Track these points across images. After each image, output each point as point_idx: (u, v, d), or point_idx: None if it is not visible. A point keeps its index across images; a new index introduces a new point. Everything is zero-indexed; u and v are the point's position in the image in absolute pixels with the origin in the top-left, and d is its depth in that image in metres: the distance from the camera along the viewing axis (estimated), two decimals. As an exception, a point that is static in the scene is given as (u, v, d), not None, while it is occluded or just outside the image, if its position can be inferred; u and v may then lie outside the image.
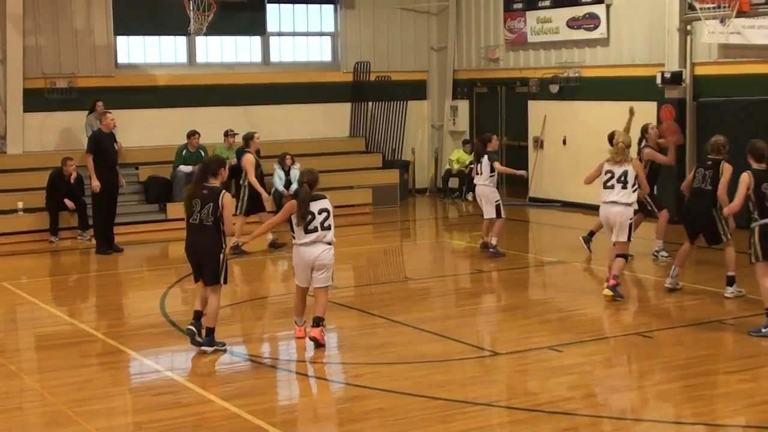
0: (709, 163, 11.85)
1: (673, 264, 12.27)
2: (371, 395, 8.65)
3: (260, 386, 9.04)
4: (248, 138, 15.88)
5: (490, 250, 14.79)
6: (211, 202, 9.76)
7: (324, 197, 10.05)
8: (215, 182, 9.87)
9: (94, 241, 16.22)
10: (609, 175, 12.11)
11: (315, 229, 9.89)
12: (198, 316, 10.06)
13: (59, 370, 9.53)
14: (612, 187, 12.04)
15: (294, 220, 9.90)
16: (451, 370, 9.39)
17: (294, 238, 10.04)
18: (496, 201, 14.71)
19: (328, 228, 9.96)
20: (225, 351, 9.94)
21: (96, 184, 15.51)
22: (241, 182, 15.81)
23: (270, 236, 15.52)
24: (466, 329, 10.87)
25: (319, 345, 9.97)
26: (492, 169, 14.66)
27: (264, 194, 15.63)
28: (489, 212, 14.78)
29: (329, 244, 9.99)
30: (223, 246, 9.87)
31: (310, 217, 9.87)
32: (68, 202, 17.16)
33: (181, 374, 9.42)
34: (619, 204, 11.92)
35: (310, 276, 10.03)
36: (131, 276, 14.79)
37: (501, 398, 8.63)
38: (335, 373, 9.61)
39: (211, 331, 9.90)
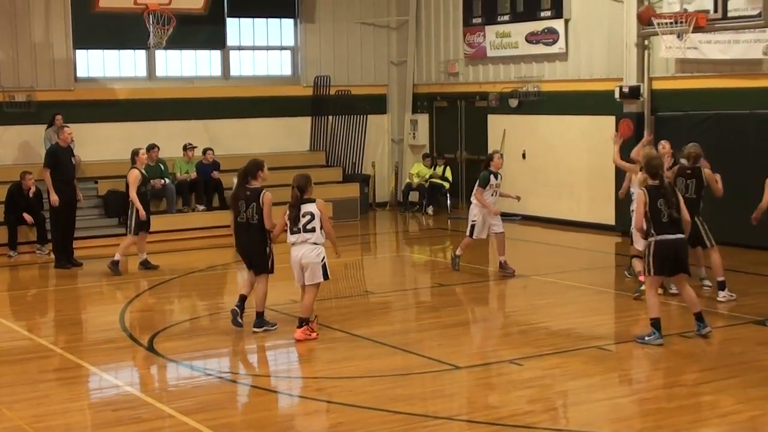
0: (689, 171, 12.10)
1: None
2: (332, 409, 8.64)
3: (220, 401, 8.99)
4: (134, 153, 15.25)
5: (503, 270, 14.33)
6: (254, 202, 10.97)
7: (312, 201, 10.74)
8: (256, 183, 11.06)
9: (52, 256, 16.07)
10: None
11: (298, 231, 10.66)
12: (242, 299, 11.19)
13: (17, 385, 9.41)
14: None
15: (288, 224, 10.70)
16: (412, 384, 9.39)
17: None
18: (472, 220, 14.31)
19: (311, 230, 10.64)
20: (275, 329, 11.11)
21: (54, 198, 15.38)
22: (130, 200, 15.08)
23: (144, 255, 15.41)
24: (427, 343, 10.88)
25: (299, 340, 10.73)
26: (484, 185, 14.13)
27: (142, 213, 14.87)
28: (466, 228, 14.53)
29: (314, 244, 10.65)
30: (268, 240, 11.01)
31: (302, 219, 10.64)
32: (27, 216, 16.99)
33: (140, 389, 9.35)
34: None
35: (303, 274, 10.75)
36: (90, 290, 14.66)
37: (462, 412, 8.64)
38: (296, 387, 9.58)
39: (260, 314, 11.13)
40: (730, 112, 16.42)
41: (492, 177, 14.12)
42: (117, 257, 15.02)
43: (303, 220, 10.62)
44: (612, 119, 17.97)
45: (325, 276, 10.82)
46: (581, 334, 11.27)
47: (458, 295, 13.53)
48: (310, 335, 10.80)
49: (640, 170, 12.34)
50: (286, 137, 21.97)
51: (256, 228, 10.98)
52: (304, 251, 10.64)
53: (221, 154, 20.09)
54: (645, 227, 10.39)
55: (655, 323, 10.31)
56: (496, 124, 20.99)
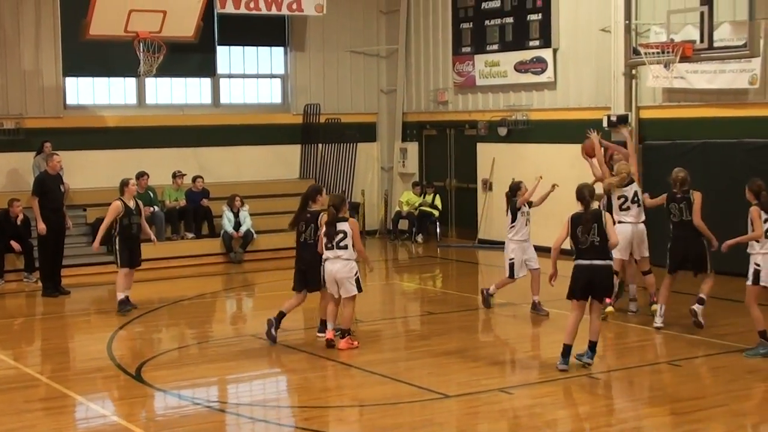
0: (679, 196, 12.38)
1: (659, 302, 12.38)
2: (321, 439, 8.60)
3: (209, 430, 8.95)
4: (123, 184, 14.31)
5: (536, 310, 13.58)
6: (312, 224, 11.74)
7: (344, 220, 11.52)
8: (315, 206, 11.83)
9: (40, 284, 16.01)
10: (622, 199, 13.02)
11: (332, 247, 11.43)
12: (281, 315, 11.93)
13: (2, 415, 9.34)
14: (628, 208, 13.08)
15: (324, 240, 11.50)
16: (402, 413, 9.35)
17: None
18: (510, 259, 13.55)
19: (344, 247, 11.41)
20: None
21: (42, 226, 15.36)
22: (113, 231, 14.28)
23: (122, 295, 14.16)
24: (416, 372, 10.85)
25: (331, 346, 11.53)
26: (513, 219, 13.57)
27: (95, 244, 14.50)
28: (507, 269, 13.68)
29: (347, 260, 11.42)
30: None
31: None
32: (14, 244, 16.95)
33: (127, 419, 9.29)
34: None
35: (337, 288, 11.52)
36: (78, 319, 14.60)
37: (451, 441, 8.61)
38: (285, 417, 9.54)
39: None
40: (717, 141, 16.50)
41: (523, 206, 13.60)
42: (120, 296, 14.12)
43: (337, 238, 11.39)
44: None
45: (359, 289, 11.60)
46: (571, 362, 11.26)
47: (448, 324, 13.51)
48: (352, 344, 11.60)
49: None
50: (275, 165, 21.99)
51: (313, 247, 11.73)
52: (338, 267, 11.42)
53: (211, 182, 20.10)
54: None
55: (565, 350, 10.45)
56: (485, 152, 21.05)
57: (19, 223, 17.10)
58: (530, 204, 13.68)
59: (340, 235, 11.41)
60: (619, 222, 12.91)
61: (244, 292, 17.14)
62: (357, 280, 11.54)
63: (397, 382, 10.30)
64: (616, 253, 11.77)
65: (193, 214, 19.46)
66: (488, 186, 20.95)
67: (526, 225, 13.56)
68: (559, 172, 19.23)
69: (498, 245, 20.22)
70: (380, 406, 9.46)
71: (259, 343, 12.08)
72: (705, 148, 16.65)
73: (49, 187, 15.52)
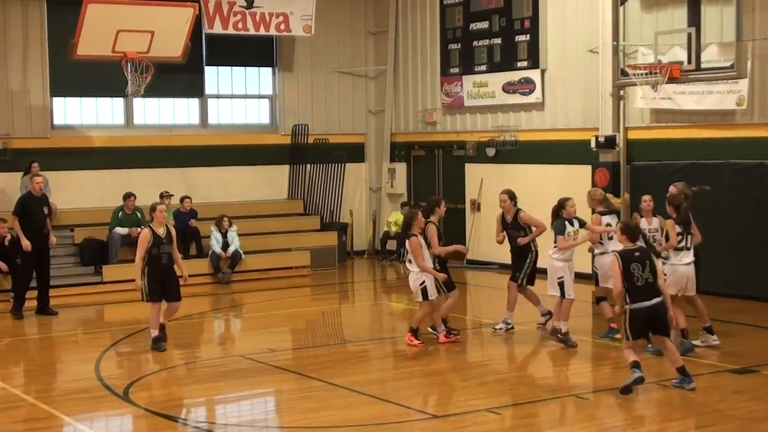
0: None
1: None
2: (309, 459, 8.55)
3: (196, 451, 8.89)
4: (151, 209, 13.20)
5: (558, 335, 12.75)
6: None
7: (409, 236, 12.81)
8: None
9: (27, 304, 15.89)
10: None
11: (407, 261, 13.03)
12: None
13: (-12, 436, 9.29)
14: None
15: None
16: (390, 433, 9.33)
17: None
18: (559, 278, 12.81)
19: (410, 261, 12.85)
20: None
21: (26, 243, 15.30)
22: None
23: (154, 332, 13.04)
24: (404, 392, 10.83)
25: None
26: (562, 232, 12.86)
27: (138, 284, 12.92)
28: (550, 288, 12.98)
29: (412, 272, 12.87)
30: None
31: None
32: (1, 265, 16.86)
33: (114, 440, 9.23)
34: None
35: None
36: (65, 339, 14.53)
37: (440, 461, 8.57)
38: (273, 438, 9.49)
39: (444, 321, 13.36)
40: (705, 162, 16.56)
41: (567, 224, 12.89)
42: (152, 333, 13.02)
43: (407, 253, 12.92)
44: (588, 168, 18.10)
45: (425, 297, 12.83)
46: (559, 382, 11.25)
47: (435, 344, 13.48)
48: (412, 342, 12.86)
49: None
50: (263, 185, 21.98)
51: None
52: (409, 277, 12.95)
53: (199, 203, 20.07)
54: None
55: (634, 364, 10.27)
56: (473, 173, 21.09)
57: (6, 244, 17.00)
58: (582, 223, 13.00)
59: (405, 251, 13.04)
60: (604, 253, 12.92)
61: (232, 312, 17.09)
62: (424, 290, 12.81)
63: (385, 402, 10.27)
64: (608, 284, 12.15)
65: (181, 234, 19.35)
66: (476, 206, 20.98)
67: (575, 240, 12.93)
68: (547, 192, 19.31)
69: (486, 265, 20.28)
70: (368, 426, 9.42)
71: (247, 364, 12.03)
72: (692, 168, 16.69)
73: (31, 209, 15.49)
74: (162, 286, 12.86)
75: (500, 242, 14.07)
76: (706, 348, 12.33)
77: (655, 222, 12.69)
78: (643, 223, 12.51)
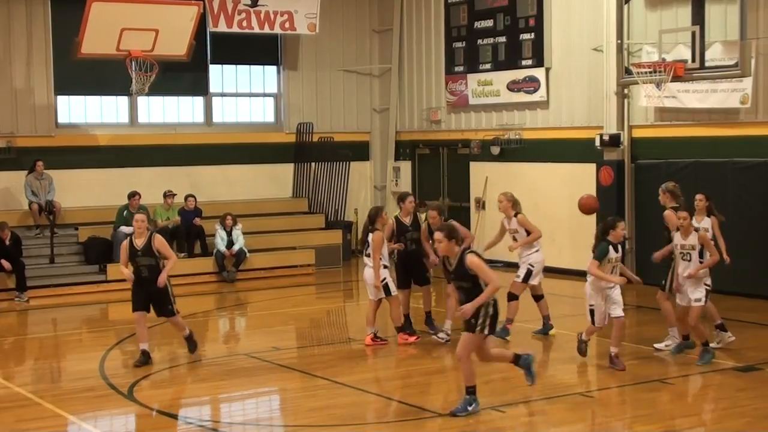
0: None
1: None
2: (314, 458, 8.55)
3: (201, 450, 8.90)
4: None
5: (612, 365, 11.39)
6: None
7: (373, 231, 12.64)
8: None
9: (32, 303, 15.85)
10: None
11: (367, 255, 12.71)
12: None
13: (-7, 435, 9.31)
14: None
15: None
16: (394, 432, 9.34)
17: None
18: (590, 305, 11.50)
19: (368, 255, 12.71)
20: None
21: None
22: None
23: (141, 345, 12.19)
24: (409, 390, 10.83)
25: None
26: (601, 258, 11.19)
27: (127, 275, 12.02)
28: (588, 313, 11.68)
29: (371, 267, 12.72)
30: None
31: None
32: (4, 263, 16.90)
33: (119, 438, 9.25)
34: None
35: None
36: (70, 338, 14.55)
37: (444, 460, 8.58)
38: (277, 436, 9.50)
39: (428, 314, 13.70)
40: (708, 160, 16.55)
41: (612, 249, 11.17)
42: (141, 346, 12.11)
43: (367, 247, 12.66)
44: (593, 167, 18.10)
45: (387, 293, 12.74)
46: (564, 380, 11.25)
47: (440, 342, 13.47)
48: (407, 340, 12.91)
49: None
50: (268, 184, 21.99)
51: None
52: (365, 272, 12.81)
53: (203, 201, 20.08)
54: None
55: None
56: (478, 171, 21.08)
57: (8, 242, 17.04)
58: (622, 244, 11.53)
59: (368, 245, 12.68)
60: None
61: (236, 311, 17.11)
62: (385, 286, 12.70)
63: (389, 401, 10.27)
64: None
65: (185, 233, 19.43)
66: (481, 205, 20.97)
67: (612, 272, 11.20)
68: (551, 191, 19.35)
69: (491, 263, 20.23)
70: (373, 424, 9.42)
71: (252, 362, 12.05)
72: (696, 167, 16.69)
73: None
74: (149, 298, 11.96)
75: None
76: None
77: (706, 221, 12.72)
78: (693, 222, 12.54)
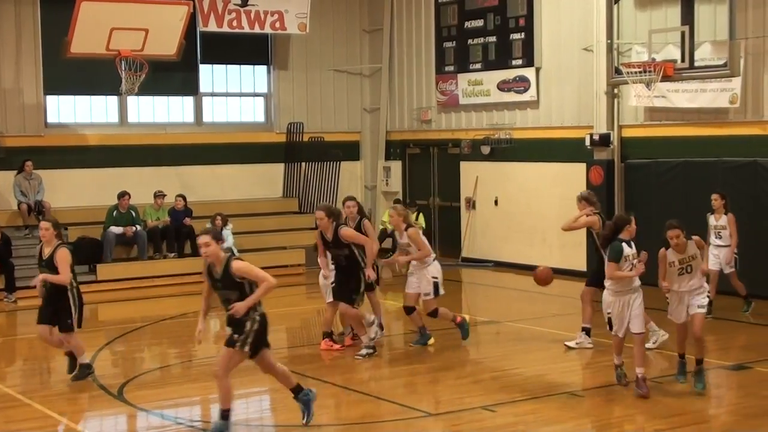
0: None
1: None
2: (304, 458, 8.55)
3: (191, 450, 8.88)
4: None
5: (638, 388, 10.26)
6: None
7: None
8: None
9: (20, 303, 15.81)
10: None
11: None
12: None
13: (-17, 435, 9.28)
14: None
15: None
16: (385, 432, 9.34)
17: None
18: (608, 313, 10.49)
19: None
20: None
21: None
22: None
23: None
24: (399, 390, 10.83)
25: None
26: (617, 259, 10.30)
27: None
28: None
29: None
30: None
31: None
32: (-6, 264, 16.86)
33: (109, 439, 9.23)
34: None
35: None
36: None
37: (434, 459, 8.58)
38: (267, 436, 9.49)
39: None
40: (698, 159, 16.60)
41: (626, 246, 10.36)
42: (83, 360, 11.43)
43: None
44: (582, 166, 18.13)
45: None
46: (554, 380, 11.26)
47: (430, 342, 13.48)
48: (331, 347, 12.63)
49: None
50: (258, 184, 21.97)
51: None
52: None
53: (194, 201, 20.05)
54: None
55: None
56: (468, 171, 21.10)
57: (-1, 242, 17.01)
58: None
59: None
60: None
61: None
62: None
63: (380, 401, 10.28)
64: None
65: (175, 233, 19.40)
66: (471, 204, 20.99)
67: (631, 269, 10.34)
68: (542, 190, 19.39)
69: (481, 263, 20.29)
70: (363, 424, 9.42)
71: (242, 363, 12.02)
72: (686, 166, 16.75)
73: None
74: (53, 312, 11.07)
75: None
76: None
77: (724, 219, 13.57)
78: (711, 220, 13.57)
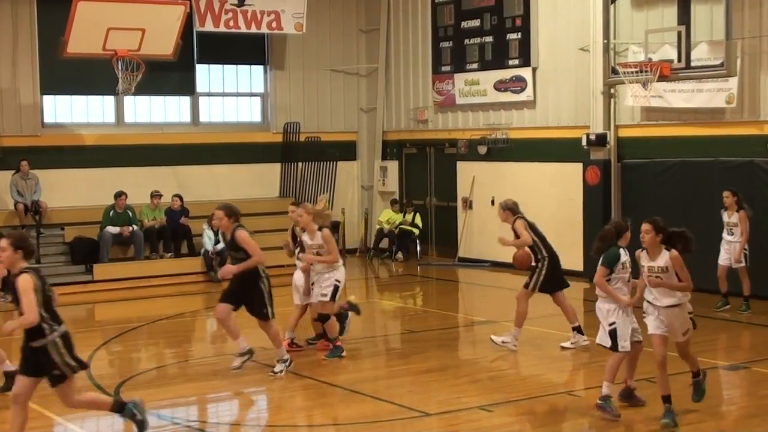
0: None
1: None
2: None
3: (188, 450, 8.88)
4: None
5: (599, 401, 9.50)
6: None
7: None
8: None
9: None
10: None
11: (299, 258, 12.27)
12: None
13: (-21, 436, 9.26)
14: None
15: None
16: (382, 431, 9.35)
17: None
18: (611, 324, 9.52)
19: (299, 258, 12.38)
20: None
21: None
22: None
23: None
24: (397, 390, 10.83)
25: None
26: (611, 265, 9.50)
27: None
28: (601, 337, 9.70)
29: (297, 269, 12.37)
30: None
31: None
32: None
33: (106, 439, 9.21)
34: None
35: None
36: (56, 338, 14.46)
37: (432, 459, 8.58)
38: (265, 436, 9.49)
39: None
40: (694, 159, 16.61)
41: (622, 253, 9.56)
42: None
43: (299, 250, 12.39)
44: (579, 166, 18.14)
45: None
46: (551, 379, 11.27)
47: (428, 342, 13.48)
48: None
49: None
50: (255, 184, 21.96)
51: None
52: (296, 275, 12.53)
53: (190, 201, 20.04)
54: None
55: None
56: (465, 170, 21.10)
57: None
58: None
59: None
60: None
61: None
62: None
63: (378, 401, 10.27)
64: None
65: (171, 233, 19.38)
66: (468, 204, 20.99)
67: (627, 282, 9.56)
68: (538, 190, 19.38)
69: (478, 263, 20.30)
70: (360, 424, 9.42)
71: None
72: (682, 166, 16.76)
73: None
74: None
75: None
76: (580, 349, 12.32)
77: (735, 216, 14.08)
78: (725, 216, 14.12)
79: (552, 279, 12.55)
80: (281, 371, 11.20)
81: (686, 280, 9.09)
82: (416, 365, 12.01)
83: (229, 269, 11.23)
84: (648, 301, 9.24)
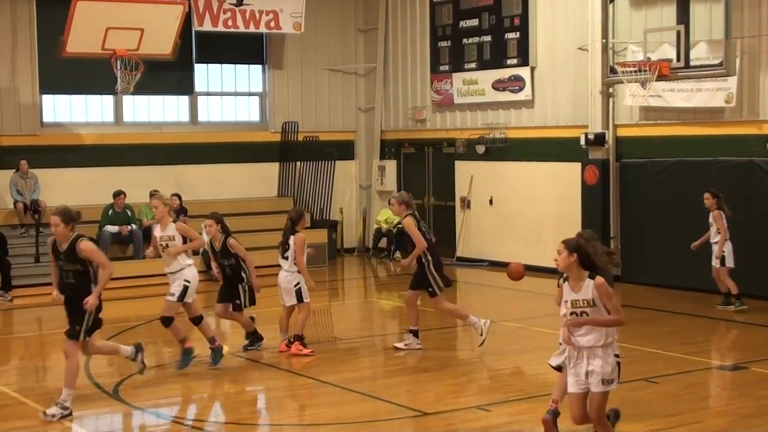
0: None
1: None
2: (299, 457, 8.55)
3: (186, 449, 8.89)
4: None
5: None
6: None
7: (293, 233, 12.28)
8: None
9: (16, 302, 15.82)
10: None
11: (286, 258, 12.23)
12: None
13: (-22, 435, 9.27)
14: None
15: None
16: (379, 431, 9.33)
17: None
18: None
19: (286, 258, 12.23)
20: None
21: None
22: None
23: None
24: (394, 389, 10.84)
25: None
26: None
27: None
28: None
29: (287, 271, 12.27)
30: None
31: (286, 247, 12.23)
32: (-12, 262, 16.84)
33: (104, 438, 9.22)
34: None
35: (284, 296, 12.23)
36: (54, 337, 14.46)
37: (430, 458, 8.59)
38: (263, 435, 9.50)
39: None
40: (693, 159, 16.62)
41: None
42: None
43: (286, 250, 12.21)
44: (578, 166, 18.15)
45: (300, 299, 12.15)
46: (548, 379, 11.26)
47: (425, 341, 13.47)
48: (301, 351, 12.05)
49: None
50: (254, 183, 21.96)
51: None
52: (281, 276, 12.33)
53: (189, 200, 20.04)
54: None
55: None
56: (463, 170, 21.11)
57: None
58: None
59: (287, 248, 12.22)
60: None
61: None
62: (298, 291, 12.13)
63: (375, 400, 10.28)
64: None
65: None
66: (466, 204, 21.00)
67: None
68: (537, 190, 19.40)
69: (476, 263, 20.30)
70: (358, 423, 9.43)
71: (238, 361, 12.04)
72: (681, 166, 16.77)
73: None
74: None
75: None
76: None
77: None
78: (710, 218, 14.43)
79: (425, 279, 12.32)
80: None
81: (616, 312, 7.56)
82: (414, 364, 12.02)
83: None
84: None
